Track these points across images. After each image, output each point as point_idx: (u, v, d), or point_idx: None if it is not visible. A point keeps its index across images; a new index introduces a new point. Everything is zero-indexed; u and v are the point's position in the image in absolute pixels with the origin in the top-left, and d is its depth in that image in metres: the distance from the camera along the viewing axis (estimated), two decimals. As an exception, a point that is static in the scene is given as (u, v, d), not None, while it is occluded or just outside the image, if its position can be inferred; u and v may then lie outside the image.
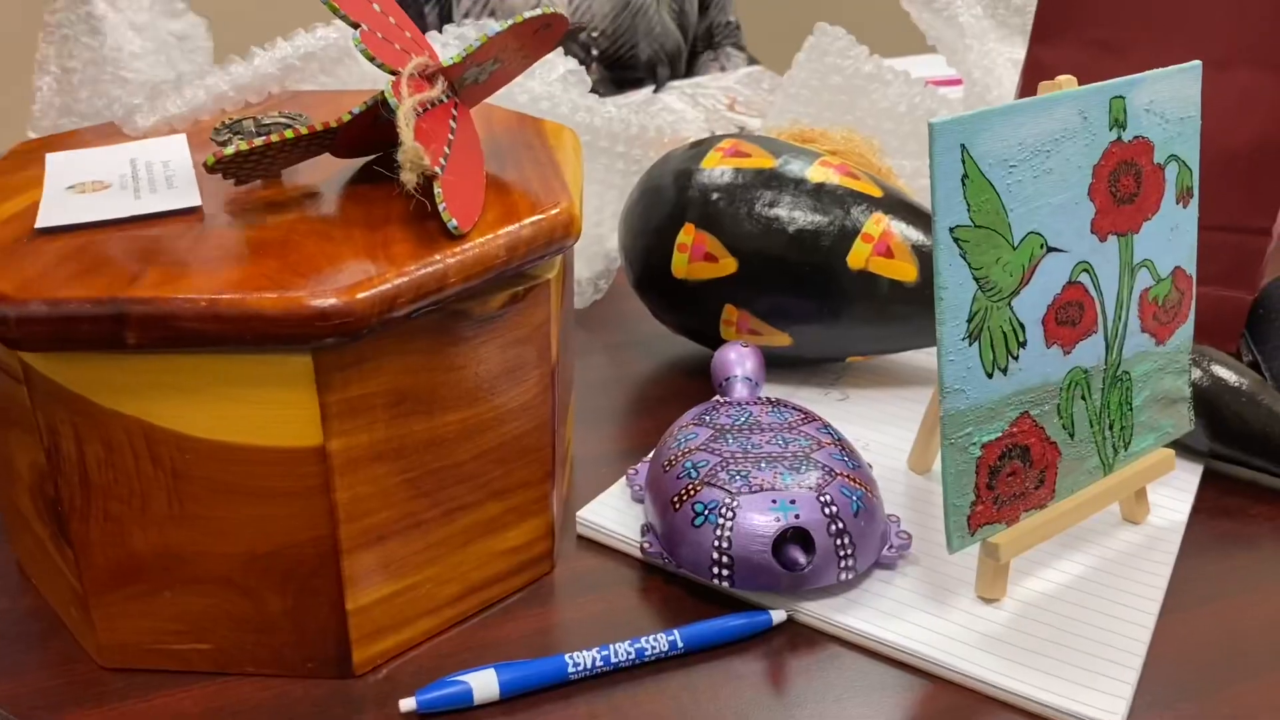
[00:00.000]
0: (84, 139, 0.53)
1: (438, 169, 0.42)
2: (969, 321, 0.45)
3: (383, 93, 0.43)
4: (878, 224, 0.61)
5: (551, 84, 0.74)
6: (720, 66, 1.62)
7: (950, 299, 0.44)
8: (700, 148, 0.66)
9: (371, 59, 0.42)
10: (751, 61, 1.61)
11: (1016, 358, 0.46)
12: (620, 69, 1.45)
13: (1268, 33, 0.64)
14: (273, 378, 0.39)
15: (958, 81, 1.19)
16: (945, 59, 0.84)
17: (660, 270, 0.65)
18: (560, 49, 1.41)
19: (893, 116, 0.79)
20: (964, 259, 0.44)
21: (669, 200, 0.64)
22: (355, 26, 0.42)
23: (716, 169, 0.64)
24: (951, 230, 0.43)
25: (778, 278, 0.62)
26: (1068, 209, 0.47)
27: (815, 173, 0.63)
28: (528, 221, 0.44)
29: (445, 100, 0.45)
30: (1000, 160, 0.44)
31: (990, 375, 0.46)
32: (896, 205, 0.62)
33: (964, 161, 0.43)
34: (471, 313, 0.43)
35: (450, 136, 0.44)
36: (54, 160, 0.49)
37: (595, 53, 1.42)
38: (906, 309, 0.62)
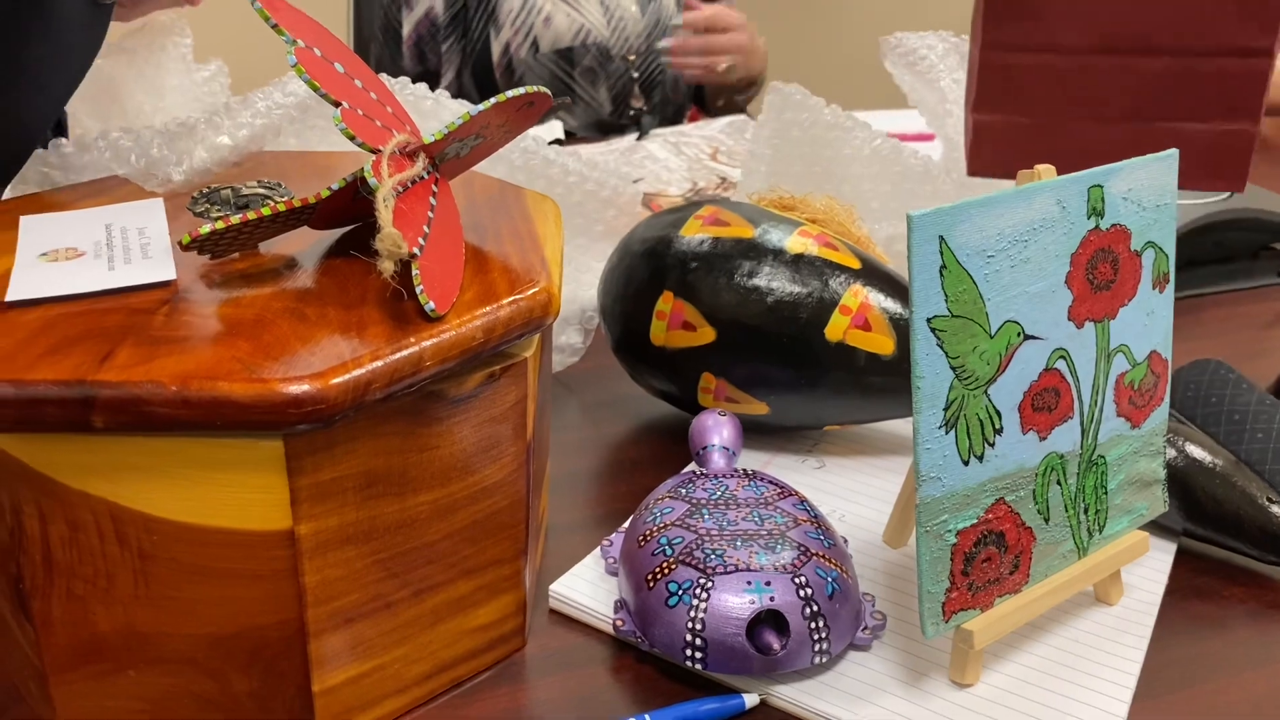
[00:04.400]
0: (63, 199, 0.52)
1: (415, 250, 0.41)
2: (945, 410, 0.45)
3: (363, 170, 0.42)
4: (856, 296, 0.61)
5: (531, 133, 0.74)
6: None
7: (927, 388, 0.44)
8: (680, 214, 0.66)
9: (352, 138, 0.42)
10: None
11: (993, 444, 0.46)
12: (654, 86, 1.49)
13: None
14: (243, 462, 0.39)
15: (930, 137, 1.20)
16: (925, 121, 0.85)
17: (639, 335, 0.65)
18: (603, 84, 1.44)
19: (859, 161, 0.79)
20: (941, 349, 0.44)
21: (648, 267, 0.64)
22: (336, 105, 0.42)
23: (696, 237, 0.64)
24: (929, 321, 0.43)
25: (756, 348, 0.62)
26: (1045, 297, 0.47)
27: (794, 243, 0.63)
28: (505, 302, 0.44)
29: (426, 176, 0.45)
30: (978, 250, 0.44)
31: (966, 462, 0.46)
32: (875, 277, 0.62)
33: (942, 253, 0.43)
34: (447, 393, 0.43)
35: (430, 215, 0.44)
36: (28, 224, 0.49)
37: (636, 75, 1.46)
38: (884, 380, 0.62)
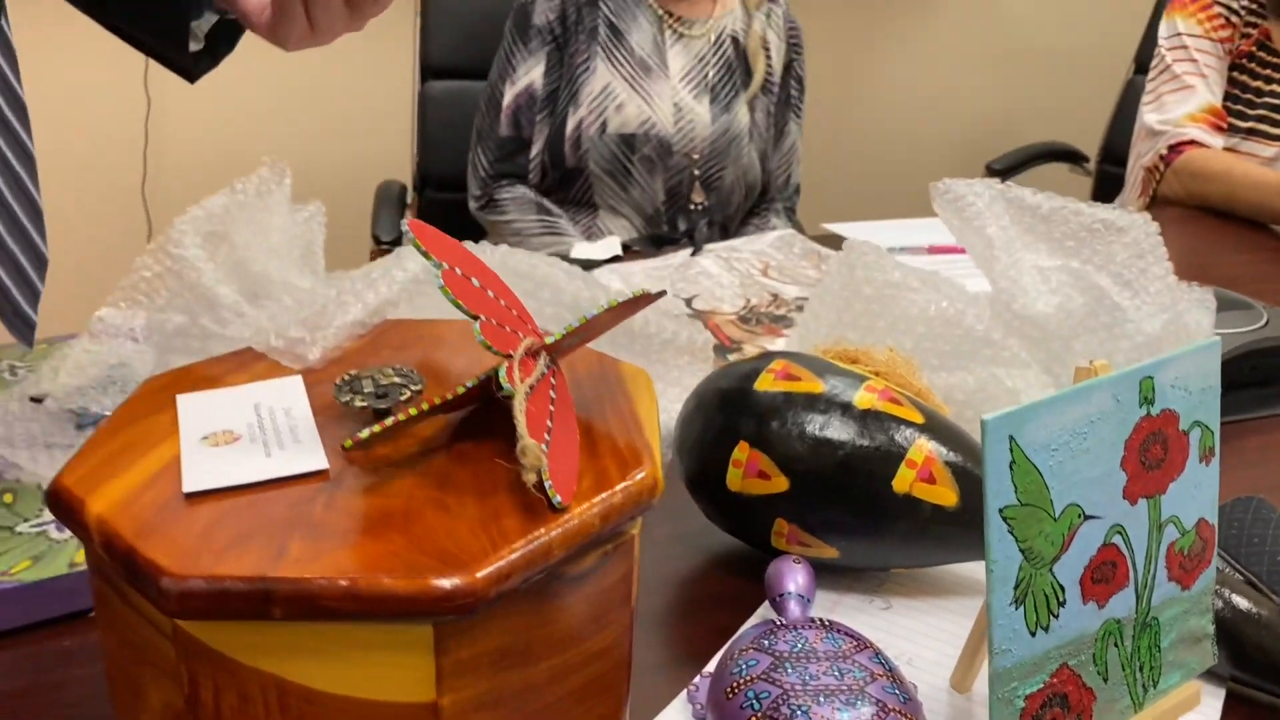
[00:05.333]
0: (211, 374, 0.58)
1: (544, 446, 0.47)
2: (1015, 588, 0.49)
3: (496, 373, 0.48)
4: (921, 450, 0.66)
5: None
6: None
7: (1000, 571, 0.49)
8: (753, 367, 0.71)
9: (489, 348, 0.48)
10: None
11: (1057, 615, 0.51)
12: (709, 190, 1.66)
13: None
14: (396, 643, 0.44)
15: (963, 250, 1.26)
16: (975, 264, 0.90)
17: (715, 480, 0.70)
18: (659, 175, 1.59)
19: (924, 320, 0.85)
20: (1012, 535, 0.49)
21: (725, 418, 0.70)
22: (475, 319, 0.48)
23: (769, 391, 0.69)
24: (1001, 511, 0.48)
25: (827, 497, 0.67)
26: (1102, 480, 0.52)
27: (861, 398, 0.68)
28: (619, 488, 0.49)
29: (546, 372, 0.51)
30: (1044, 446, 0.49)
31: (1033, 634, 0.50)
32: (938, 431, 0.67)
33: (1012, 450, 0.48)
34: (567, 574, 0.48)
35: (551, 408, 0.50)
36: (185, 404, 0.55)
37: (698, 173, 1.64)
38: (948, 529, 0.66)
